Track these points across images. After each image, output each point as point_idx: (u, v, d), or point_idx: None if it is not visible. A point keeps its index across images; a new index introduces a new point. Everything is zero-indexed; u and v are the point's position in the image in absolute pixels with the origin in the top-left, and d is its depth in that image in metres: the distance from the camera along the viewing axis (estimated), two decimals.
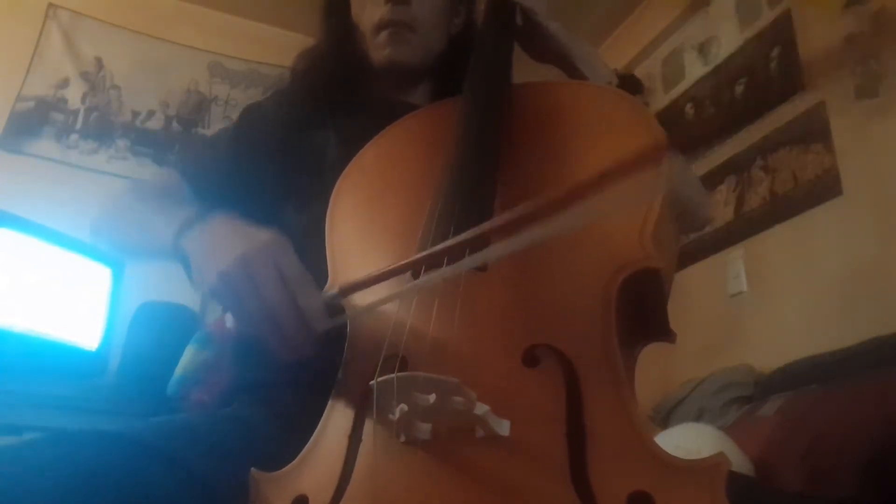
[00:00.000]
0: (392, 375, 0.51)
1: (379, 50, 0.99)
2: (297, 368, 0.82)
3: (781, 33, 2.30)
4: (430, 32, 1.01)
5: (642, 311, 0.63)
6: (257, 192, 0.96)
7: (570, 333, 0.57)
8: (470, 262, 0.58)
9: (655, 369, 2.14)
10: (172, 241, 0.73)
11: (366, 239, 0.77)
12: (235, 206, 0.93)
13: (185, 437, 0.68)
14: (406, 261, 0.60)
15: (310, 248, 0.78)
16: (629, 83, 0.93)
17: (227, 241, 0.65)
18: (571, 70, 0.94)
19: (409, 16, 0.97)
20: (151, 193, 0.96)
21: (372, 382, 0.53)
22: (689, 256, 2.39)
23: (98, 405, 2.10)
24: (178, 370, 2.25)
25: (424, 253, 0.61)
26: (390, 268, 0.60)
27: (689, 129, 2.63)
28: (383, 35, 0.98)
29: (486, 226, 0.57)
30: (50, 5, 2.95)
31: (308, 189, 0.92)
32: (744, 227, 2.28)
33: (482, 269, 0.62)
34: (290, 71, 1.06)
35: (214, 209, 0.91)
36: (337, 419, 0.61)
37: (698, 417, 1.95)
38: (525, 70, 0.94)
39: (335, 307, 0.64)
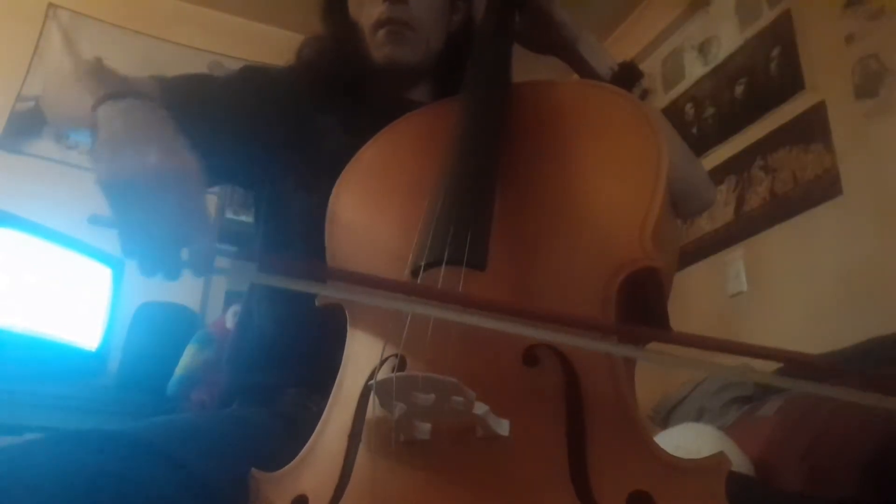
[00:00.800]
0: (391, 375, 0.51)
1: (378, 48, 0.98)
2: (297, 369, 0.83)
3: (781, 33, 2.30)
4: (428, 31, 1.00)
5: (642, 311, 0.62)
6: (238, 146, 0.93)
7: (570, 332, 0.57)
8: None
9: (655, 369, 2.14)
10: (92, 106, 0.66)
11: (365, 237, 0.76)
12: (203, 142, 0.91)
13: (184, 436, 0.68)
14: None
15: (314, 224, 0.78)
16: (628, 70, 0.93)
17: (141, 142, 0.58)
18: (575, 59, 0.94)
19: (407, 14, 0.97)
20: (119, 77, 0.87)
21: (371, 382, 0.53)
22: (689, 256, 2.39)
23: (98, 405, 2.10)
24: (178, 370, 2.25)
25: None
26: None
27: (689, 129, 2.63)
28: (381, 34, 0.97)
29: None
30: (50, 5, 2.95)
31: (307, 172, 0.91)
32: (744, 227, 2.28)
33: (481, 268, 0.62)
34: (297, 55, 1.05)
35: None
36: (336, 419, 0.61)
37: (698, 417, 1.95)
38: (525, 66, 0.94)
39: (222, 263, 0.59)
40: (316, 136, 0.96)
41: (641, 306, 0.62)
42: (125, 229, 0.56)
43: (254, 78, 1.01)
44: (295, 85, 1.01)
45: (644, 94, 0.92)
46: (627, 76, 0.92)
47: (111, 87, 0.70)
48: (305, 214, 0.88)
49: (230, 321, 2.31)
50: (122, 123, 0.62)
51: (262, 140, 0.95)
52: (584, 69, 0.95)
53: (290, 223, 0.92)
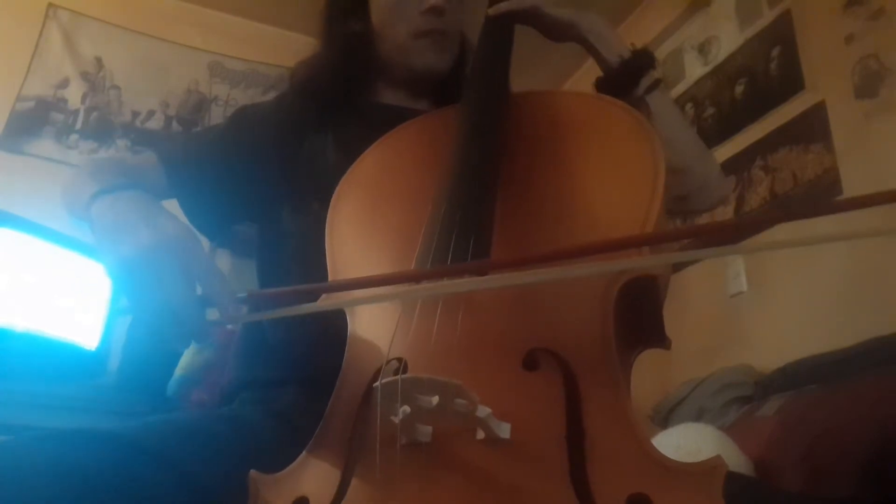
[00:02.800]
0: (396, 377, 0.51)
1: (418, 56, 0.99)
2: (298, 367, 0.83)
3: (781, 33, 2.30)
4: (456, 40, 1.03)
5: (639, 317, 0.63)
6: (243, 191, 0.97)
7: (570, 338, 0.57)
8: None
9: (656, 369, 2.14)
10: (86, 204, 0.73)
11: (366, 244, 0.77)
12: (210, 198, 0.95)
13: (178, 436, 0.68)
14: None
15: (308, 251, 0.78)
16: (639, 57, 0.92)
17: (133, 225, 0.64)
18: (587, 46, 0.94)
19: (446, 24, 0.99)
20: (114, 164, 0.96)
21: (376, 384, 0.53)
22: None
23: (98, 405, 2.10)
24: (178, 370, 2.25)
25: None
26: (297, 288, 0.61)
27: None
28: (424, 43, 0.99)
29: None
30: (50, 5, 2.94)
31: (305, 193, 0.92)
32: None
33: (484, 273, 0.62)
34: (290, 77, 1.06)
35: (184, 195, 0.93)
36: (337, 421, 0.61)
37: (698, 417, 1.95)
38: (526, 66, 0.93)
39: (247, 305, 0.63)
40: (306, 160, 0.97)
41: (638, 311, 0.62)
42: (142, 308, 0.60)
43: (243, 121, 1.03)
44: (285, 112, 1.02)
45: (656, 84, 0.90)
46: (638, 63, 0.91)
47: (101, 182, 0.76)
48: (298, 237, 0.90)
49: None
50: (113, 215, 0.68)
51: (260, 179, 0.97)
52: (595, 56, 0.94)
53: (285, 248, 0.94)
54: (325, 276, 0.73)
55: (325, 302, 0.64)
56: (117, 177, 0.83)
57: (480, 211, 0.68)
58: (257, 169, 0.97)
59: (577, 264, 0.56)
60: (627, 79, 0.90)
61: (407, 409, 0.51)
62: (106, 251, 0.63)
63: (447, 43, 1.00)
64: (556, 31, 0.95)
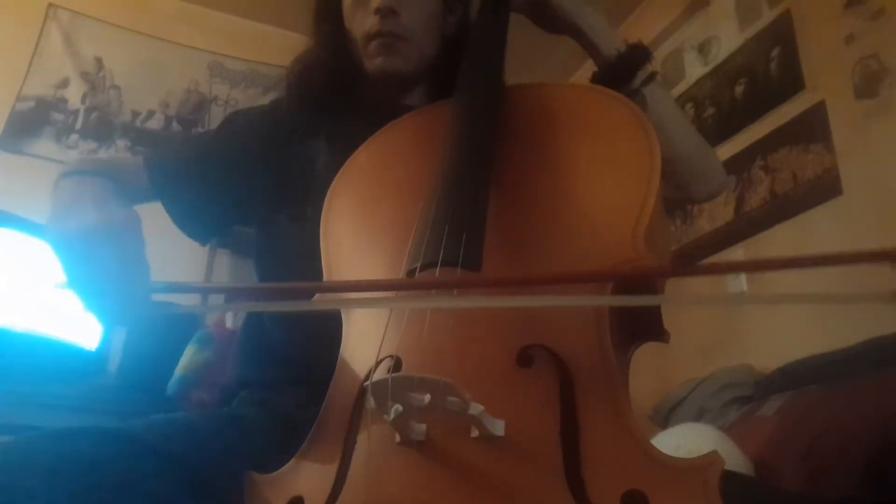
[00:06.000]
0: (387, 376, 0.51)
1: (370, 59, 0.97)
2: (298, 367, 0.83)
3: (781, 33, 2.30)
4: (421, 39, 0.99)
5: (636, 311, 0.62)
6: (232, 196, 0.97)
7: (564, 334, 0.57)
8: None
9: (655, 369, 2.14)
10: (54, 182, 0.78)
11: (359, 241, 0.77)
12: (195, 203, 0.96)
13: (182, 435, 0.69)
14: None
15: (302, 256, 0.78)
16: (634, 51, 0.91)
17: (83, 206, 0.68)
18: (583, 40, 0.93)
19: (399, 26, 0.96)
20: (102, 160, 1.00)
21: (366, 383, 0.53)
22: (689, 256, 2.38)
23: (98, 405, 2.10)
24: (178, 370, 2.25)
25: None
26: (203, 285, 0.62)
27: None
28: (373, 45, 0.96)
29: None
30: (50, 5, 2.95)
31: (301, 197, 0.92)
32: (744, 227, 2.28)
33: (476, 269, 0.62)
34: (286, 76, 1.05)
35: (167, 198, 0.95)
36: (332, 420, 0.61)
37: (698, 417, 1.95)
38: (527, 64, 0.93)
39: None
40: (300, 164, 0.96)
41: (635, 307, 0.62)
42: (77, 285, 0.63)
43: (234, 127, 1.03)
44: (279, 116, 1.02)
45: (651, 77, 0.90)
46: (633, 57, 0.91)
47: (72, 167, 0.82)
48: (294, 242, 0.89)
49: (230, 321, 2.31)
50: (71, 193, 0.74)
51: (251, 184, 0.97)
52: (590, 49, 0.94)
53: (281, 254, 0.94)
54: (319, 279, 0.73)
55: (315, 302, 0.64)
56: (95, 168, 0.87)
57: (473, 205, 0.67)
58: (248, 174, 0.96)
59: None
60: (624, 72, 0.89)
61: (399, 407, 0.51)
62: (53, 224, 0.66)
63: (400, 46, 0.96)
64: (554, 19, 0.93)
